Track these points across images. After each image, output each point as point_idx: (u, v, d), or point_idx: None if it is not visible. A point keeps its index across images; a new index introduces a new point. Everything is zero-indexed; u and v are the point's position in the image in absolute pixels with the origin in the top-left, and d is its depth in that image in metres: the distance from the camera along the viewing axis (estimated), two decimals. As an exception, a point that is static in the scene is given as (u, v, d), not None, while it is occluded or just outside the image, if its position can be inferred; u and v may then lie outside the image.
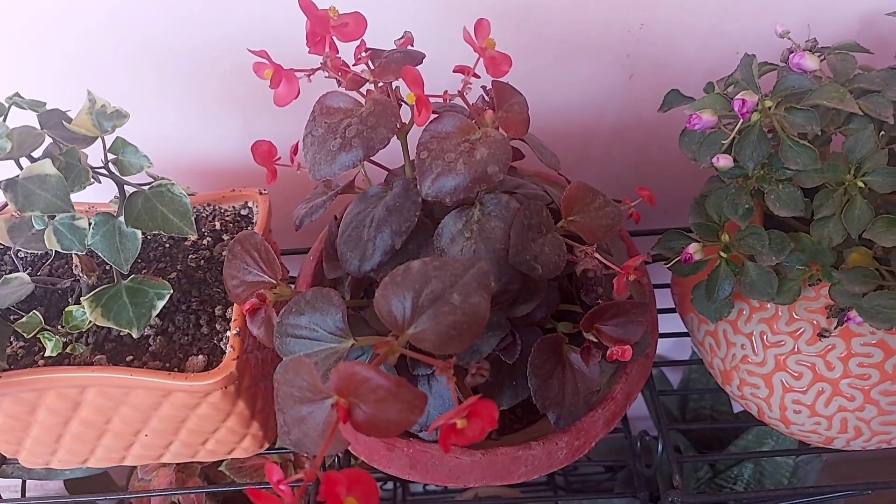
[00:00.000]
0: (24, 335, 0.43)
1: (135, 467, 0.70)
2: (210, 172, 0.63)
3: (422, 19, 0.52)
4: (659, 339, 0.51)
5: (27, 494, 0.94)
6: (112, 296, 0.42)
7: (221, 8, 0.51)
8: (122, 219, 0.39)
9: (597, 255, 0.37)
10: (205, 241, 0.52)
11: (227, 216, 0.54)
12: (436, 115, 0.35)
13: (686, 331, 0.56)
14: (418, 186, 0.35)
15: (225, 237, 0.52)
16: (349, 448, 0.45)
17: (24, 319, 0.43)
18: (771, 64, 0.46)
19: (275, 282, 0.42)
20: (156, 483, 0.66)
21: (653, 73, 0.59)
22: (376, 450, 0.43)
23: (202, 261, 0.51)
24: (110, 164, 0.38)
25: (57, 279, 0.49)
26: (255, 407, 0.49)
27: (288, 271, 0.55)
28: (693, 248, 0.42)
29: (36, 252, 0.51)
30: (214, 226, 0.53)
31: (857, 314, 0.39)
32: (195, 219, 0.53)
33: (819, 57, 0.41)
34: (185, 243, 0.52)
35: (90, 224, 0.38)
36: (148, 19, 0.51)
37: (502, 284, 0.36)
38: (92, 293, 0.41)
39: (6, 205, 0.36)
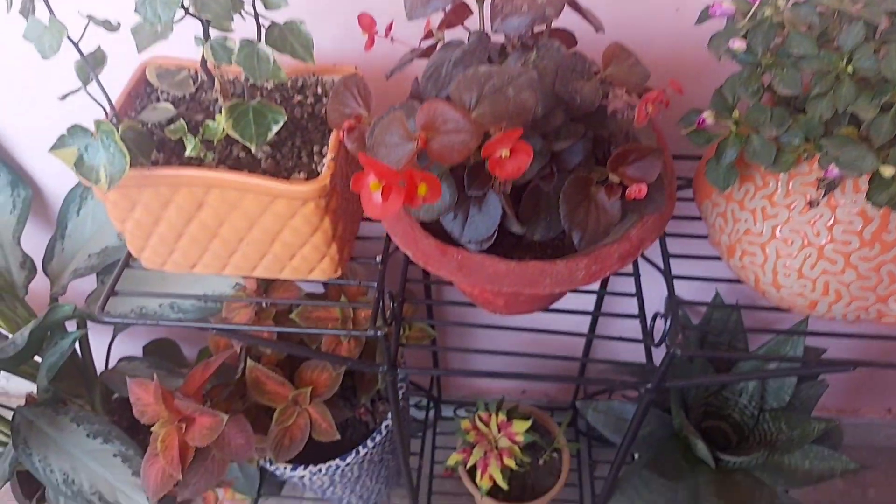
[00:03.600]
0: (171, 139, 0.55)
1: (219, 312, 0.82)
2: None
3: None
4: (681, 281, 0.60)
5: (112, 351, 1.09)
6: (242, 111, 0.54)
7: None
8: (260, 45, 0.51)
9: (625, 96, 0.47)
10: (309, 101, 0.64)
11: (327, 85, 0.65)
12: (509, -29, 0.45)
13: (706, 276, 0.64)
14: (490, 26, 0.46)
15: (324, 100, 0.64)
16: (409, 254, 0.55)
17: (171, 126, 0.56)
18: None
19: (367, 113, 0.53)
20: (236, 319, 0.78)
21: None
22: (432, 255, 0.54)
23: (305, 114, 0.63)
24: (256, 1, 0.50)
25: (193, 113, 0.61)
26: (336, 231, 0.61)
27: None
28: (707, 114, 0.52)
29: (177, 94, 0.64)
30: (317, 91, 0.65)
31: (834, 166, 0.47)
32: (302, 85, 0.66)
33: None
34: (293, 100, 0.64)
35: (238, 46, 0.50)
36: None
37: (546, 111, 0.46)
38: (229, 104, 0.53)
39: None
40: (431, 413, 1.28)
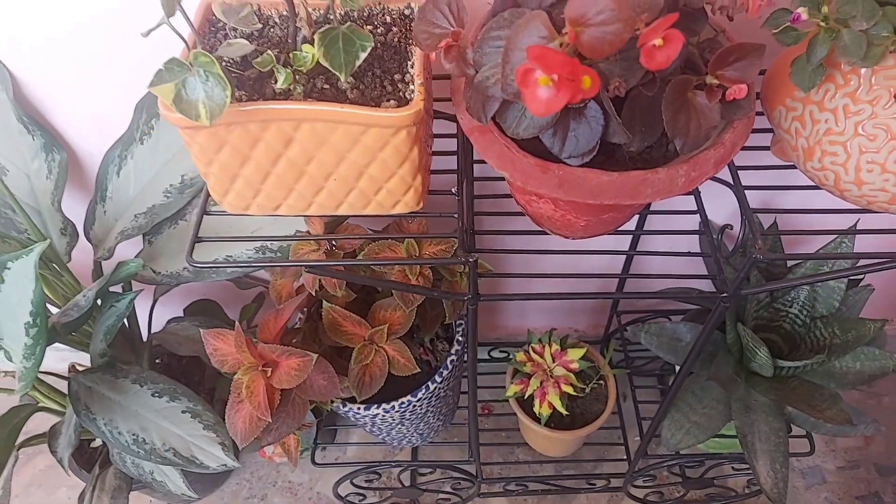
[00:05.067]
0: (254, 76, 0.55)
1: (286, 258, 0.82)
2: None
3: None
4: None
5: (154, 313, 1.08)
6: (333, 37, 0.53)
7: None
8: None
9: (731, -6, 0.47)
10: (379, 30, 0.63)
11: (394, 14, 0.65)
12: None
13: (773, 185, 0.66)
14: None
15: (394, 29, 0.63)
16: (506, 175, 0.56)
17: (259, 59, 0.55)
18: None
19: (461, 30, 0.53)
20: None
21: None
22: (532, 174, 0.55)
23: (378, 44, 0.62)
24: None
25: (265, 48, 0.60)
26: (422, 162, 0.61)
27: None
28: (801, 10, 0.52)
29: (244, 30, 0.62)
30: (385, 20, 0.64)
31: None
32: (368, 14, 0.65)
33: None
34: (364, 30, 0.63)
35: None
36: None
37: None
38: (321, 30, 0.52)
39: None
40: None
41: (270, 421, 0.72)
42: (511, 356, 1.25)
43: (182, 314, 1.15)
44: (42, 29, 0.80)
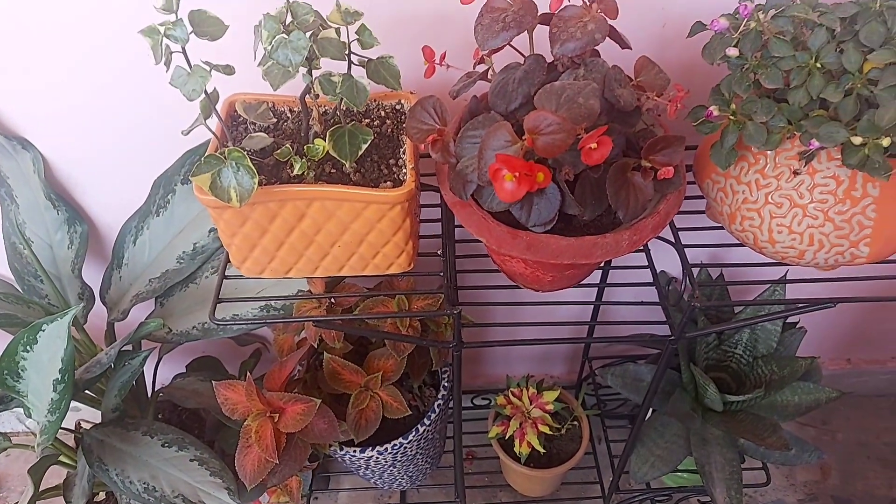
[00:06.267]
0: (278, 158, 0.66)
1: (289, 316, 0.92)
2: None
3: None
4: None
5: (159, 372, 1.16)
6: (340, 134, 0.65)
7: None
8: (356, 77, 0.62)
9: (656, 98, 0.60)
10: (375, 123, 0.76)
11: (387, 109, 0.77)
12: (562, 7, 0.59)
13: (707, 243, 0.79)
14: (551, 49, 0.59)
15: (387, 121, 0.76)
16: (483, 240, 0.68)
17: (279, 150, 0.66)
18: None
19: (445, 127, 0.65)
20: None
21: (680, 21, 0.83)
22: (504, 239, 0.66)
23: (375, 134, 0.74)
24: (354, 42, 0.62)
25: (281, 139, 0.72)
26: (413, 230, 0.72)
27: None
28: (714, 108, 0.66)
29: (261, 124, 0.74)
30: (380, 114, 0.77)
31: (816, 140, 0.62)
32: (367, 110, 0.77)
33: (791, -11, 0.65)
34: (362, 123, 0.75)
35: (339, 80, 0.62)
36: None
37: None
38: (331, 129, 0.64)
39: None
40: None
41: (277, 462, 0.80)
42: (492, 401, 1.35)
43: (185, 370, 1.23)
44: (72, 115, 0.91)
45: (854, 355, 1.53)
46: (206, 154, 0.62)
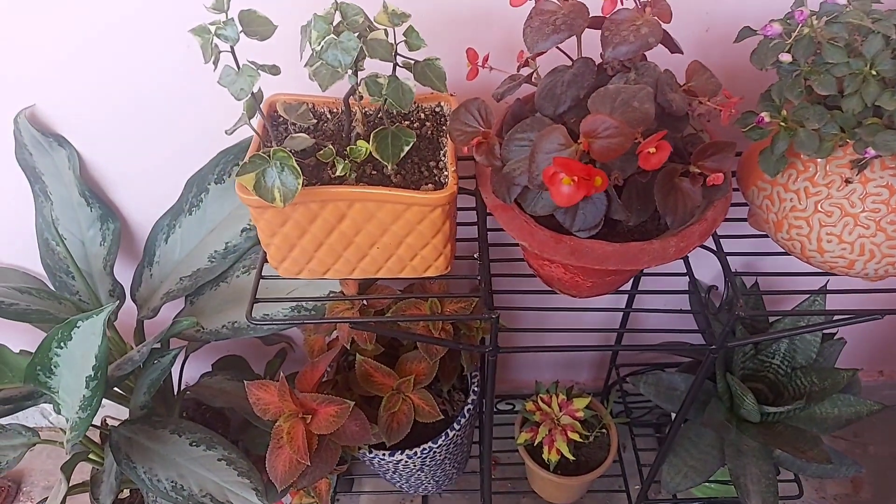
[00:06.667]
0: (321, 160, 0.66)
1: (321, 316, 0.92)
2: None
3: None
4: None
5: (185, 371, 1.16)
6: (383, 136, 0.65)
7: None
8: (401, 79, 0.62)
9: (708, 103, 0.59)
10: (415, 125, 0.75)
11: (427, 111, 0.77)
12: (615, 10, 0.58)
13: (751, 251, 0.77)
14: (602, 52, 0.58)
15: (427, 123, 0.75)
16: (525, 245, 0.67)
17: (321, 151, 0.66)
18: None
19: (489, 130, 0.64)
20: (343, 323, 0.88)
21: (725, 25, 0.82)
22: (547, 244, 0.65)
23: (415, 136, 0.74)
24: (401, 43, 0.61)
25: (322, 140, 0.72)
26: (452, 233, 0.71)
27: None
28: (765, 114, 0.64)
29: (302, 125, 0.74)
30: (420, 116, 0.76)
31: (871, 149, 0.60)
32: (407, 112, 0.77)
33: (847, -7, 0.64)
34: (402, 125, 0.75)
35: (385, 82, 0.61)
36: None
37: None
38: (375, 131, 0.64)
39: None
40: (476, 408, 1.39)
41: (309, 464, 0.80)
42: (518, 407, 1.33)
43: (211, 369, 1.23)
44: (108, 113, 0.92)
45: (887, 367, 1.50)
46: (250, 154, 0.61)
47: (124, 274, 1.07)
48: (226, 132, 0.64)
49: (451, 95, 0.76)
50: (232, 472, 0.96)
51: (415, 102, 0.77)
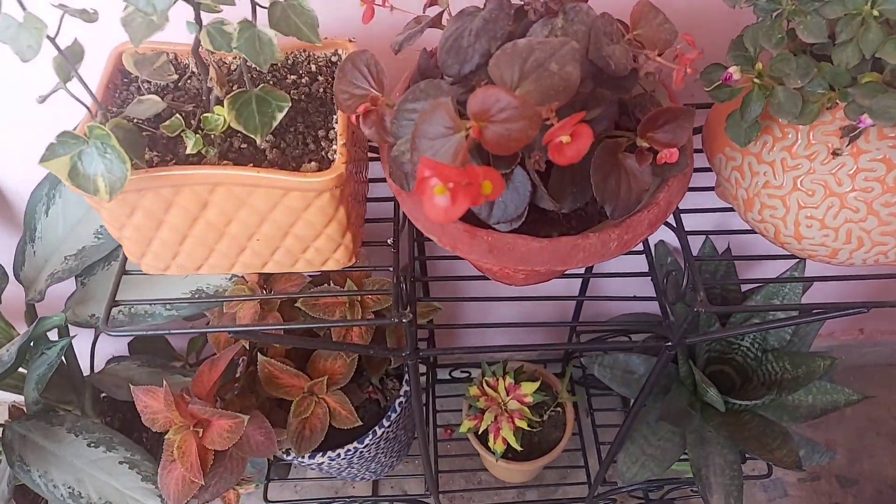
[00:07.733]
0: (168, 135, 0.51)
1: (220, 306, 0.79)
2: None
3: None
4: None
5: (96, 350, 1.04)
6: (244, 101, 0.50)
7: None
8: (260, 27, 0.47)
9: (658, 59, 0.45)
10: (303, 80, 0.60)
11: (321, 61, 0.61)
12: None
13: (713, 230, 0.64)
14: (516, -8, 0.43)
15: (320, 78, 0.60)
16: (434, 239, 0.53)
17: (167, 123, 0.51)
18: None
19: (381, 94, 0.50)
20: (241, 315, 0.75)
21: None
22: (460, 239, 0.52)
23: (303, 95, 0.59)
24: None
25: (181, 104, 0.57)
26: (350, 219, 0.58)
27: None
28: (733, 69, 0.50)
29: (159, 83, 0.59)
30: (310, 68, 0.61)
31: (867, 116, 0.47)
32: (293, 62, 0.61)
33: None
34: (287, 81, 0.60)
35: (236, 30, 0.46)
36: None
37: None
38: (230, 95, 0.49)
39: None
40: (427, 378, 1.29)
41: (203, 483, 0.68)
42: (474, 375, 1.23)
43: (127, 348, 1.11)
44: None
45: (868, 325, 1.41)
46: (63, 132, 0.47)
47: (8, 250, 0.93)
48: (37, 101, 0.49)
49: (350, 41, 0.61)
50: (135, 476, 0.85)
51: (304, 51, 0.62)
